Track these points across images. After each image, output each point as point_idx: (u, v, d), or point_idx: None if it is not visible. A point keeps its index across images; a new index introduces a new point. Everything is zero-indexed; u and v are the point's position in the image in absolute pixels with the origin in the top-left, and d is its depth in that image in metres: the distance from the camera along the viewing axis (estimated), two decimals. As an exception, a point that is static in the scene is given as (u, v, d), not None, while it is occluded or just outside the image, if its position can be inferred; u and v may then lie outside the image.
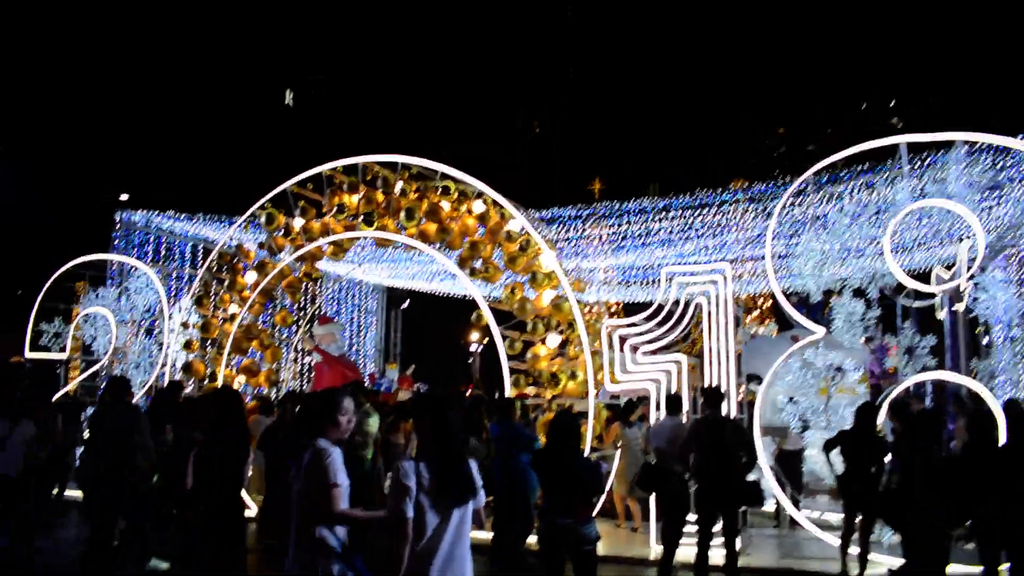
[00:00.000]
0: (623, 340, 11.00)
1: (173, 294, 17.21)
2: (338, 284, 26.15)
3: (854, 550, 8.52)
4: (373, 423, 9.74)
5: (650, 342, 11.13)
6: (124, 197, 21.25)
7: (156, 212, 19.14)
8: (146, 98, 34.80)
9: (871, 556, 8.53)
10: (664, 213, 16.37)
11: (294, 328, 15.28)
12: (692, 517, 8.34)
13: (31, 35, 32.46)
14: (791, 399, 11.60)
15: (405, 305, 32.05)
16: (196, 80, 36.79)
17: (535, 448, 8.21)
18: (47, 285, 13.61)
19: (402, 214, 11.45)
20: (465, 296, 27.83)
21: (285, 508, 4.22)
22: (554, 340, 11.07)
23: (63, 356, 13.89)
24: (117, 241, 18.57)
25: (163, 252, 19.88)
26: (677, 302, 11.06)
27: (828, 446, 8.62)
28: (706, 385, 9.42)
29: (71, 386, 13.11)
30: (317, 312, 22.53)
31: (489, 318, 11.09)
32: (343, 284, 26.65)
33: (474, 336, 46.82)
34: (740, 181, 17.19)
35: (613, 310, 26.07)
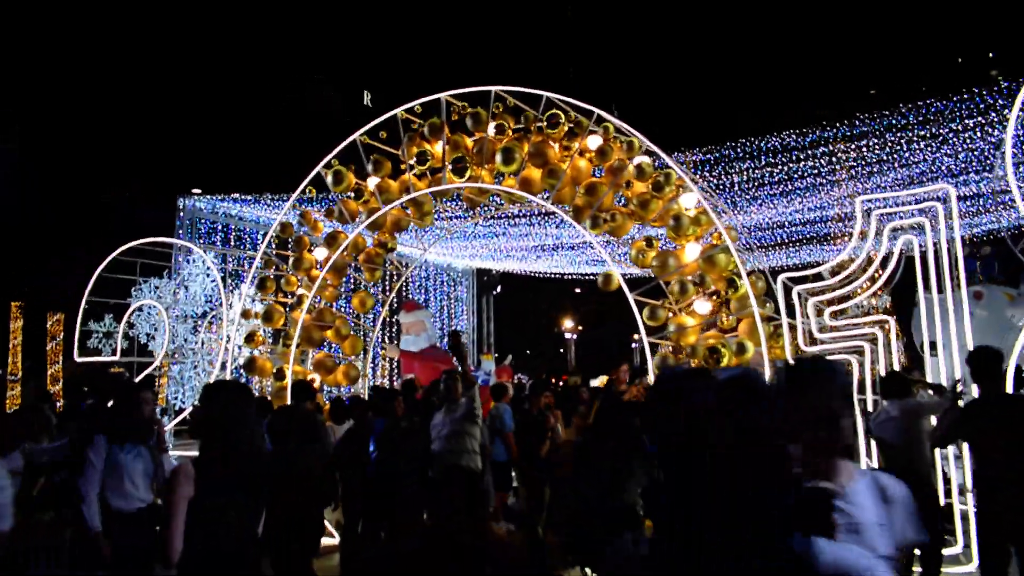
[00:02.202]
0: (802, 300, 8.31)
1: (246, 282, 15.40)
2: (424, 270, 24.09)
3: None
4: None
5: (836, 301, 8.46)
6: (196, 191, 19.59)
7: (221, 197, 17.41)
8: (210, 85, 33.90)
9: None
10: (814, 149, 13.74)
11: (378, 314, 12.97)
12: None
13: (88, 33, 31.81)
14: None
15: (497, 290, 29.86)
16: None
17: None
18: (94, 276, 11.69)
19: (498, 157, 9.00)
20: (563, 276, 25.46)
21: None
22: (703, 306, 8.43)
23: (115, 358, 11.97)
24: (181, 231, 16.90)
25: (232, 241, 18.21)
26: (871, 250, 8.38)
27: None
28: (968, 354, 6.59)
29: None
30: (404, 297, 20.43)
31: (621, 281, 8.56)
32: (430, 270, 24.60)
33: (567, 323, 44.42)
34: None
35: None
